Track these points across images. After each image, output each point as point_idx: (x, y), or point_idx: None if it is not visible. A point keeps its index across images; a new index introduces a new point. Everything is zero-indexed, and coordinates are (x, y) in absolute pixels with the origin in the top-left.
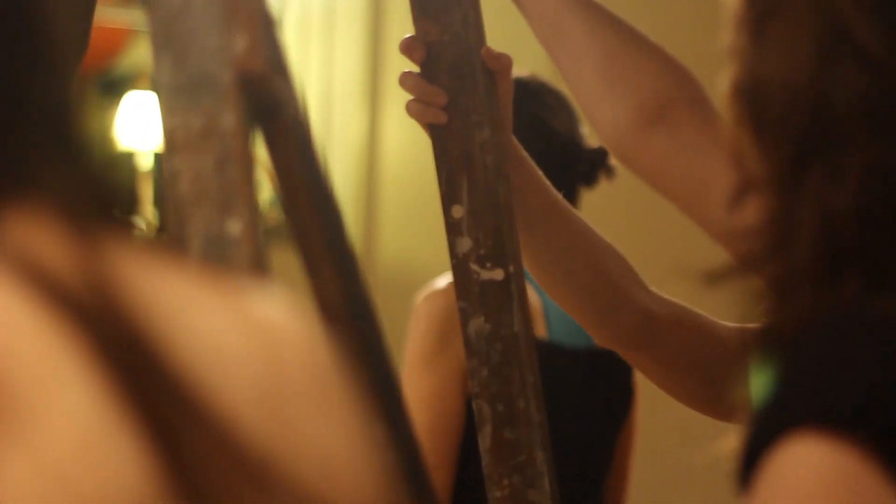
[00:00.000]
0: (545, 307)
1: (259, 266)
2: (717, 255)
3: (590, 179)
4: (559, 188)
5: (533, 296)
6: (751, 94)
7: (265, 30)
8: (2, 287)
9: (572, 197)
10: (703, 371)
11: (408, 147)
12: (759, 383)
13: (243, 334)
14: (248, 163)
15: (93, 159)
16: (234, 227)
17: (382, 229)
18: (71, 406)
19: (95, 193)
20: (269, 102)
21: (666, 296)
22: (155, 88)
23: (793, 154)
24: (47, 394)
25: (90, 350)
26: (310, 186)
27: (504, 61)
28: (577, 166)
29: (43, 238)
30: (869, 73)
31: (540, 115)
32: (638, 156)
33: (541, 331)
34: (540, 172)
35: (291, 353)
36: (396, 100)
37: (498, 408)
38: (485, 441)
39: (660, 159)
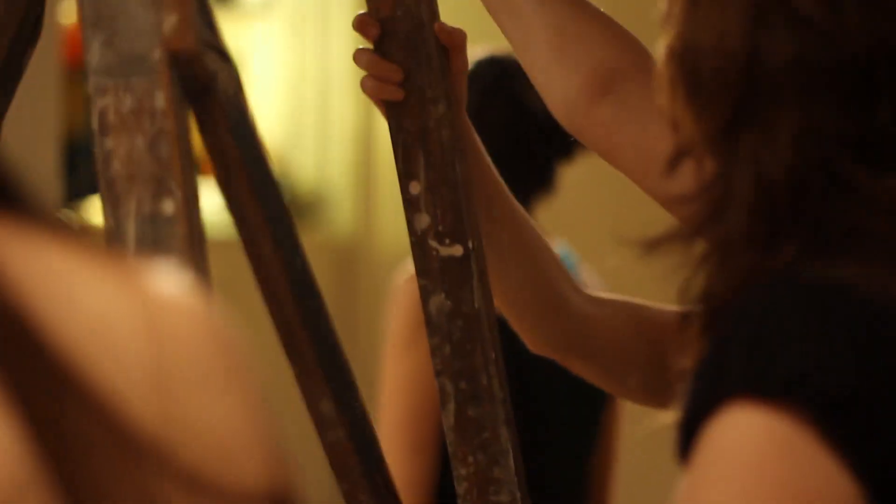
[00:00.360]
0: None
1: (194, 245)
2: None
3: (568, 153)
4: (539, 164)
5: None
6: (684, 58)
7: (197, 8)
8: None
9: (551, 173)
10: (644, 366)
11: None
12: (697, 353)
13: (132, 312)
14: (181, 142)
15: None
16: (168, 206)
17: (380, 215)
18: None
19: None
20: (201, 80)
21: (598, 293)
22: (85, 69)
23: (726, 118)
24: None
25: None
26: (245, 164)
27: (457, 36)
28: (555, 141)
29: None
30: (801, 34)
31: (516, 91)
32: (588, 127)
33: None
34: (487, 160)
35: (183, 331)
36: None
37: (461, 385)
38: (448, 419)
39: (609, 130)
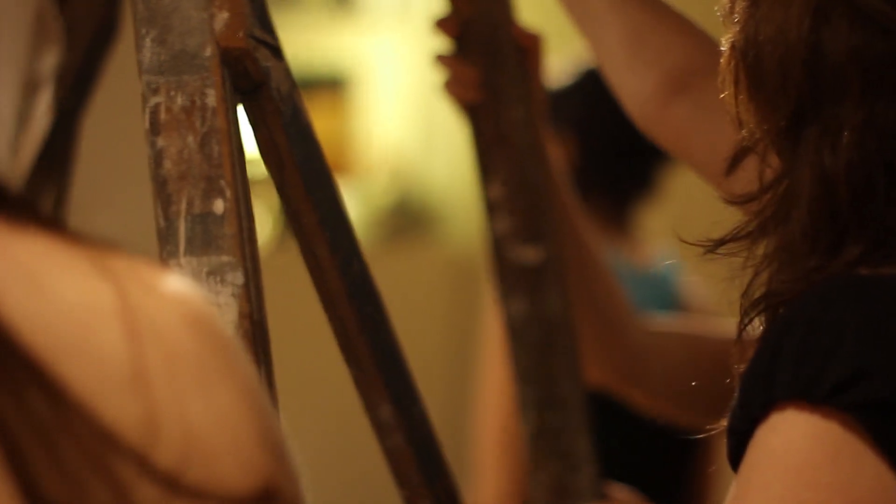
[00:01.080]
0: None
1: (245, 244)
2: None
3: (670, 158)
4: (641, 170)
5: None
6: (746, 53)
7: (249, 4)
8: None
9: (653, 178)
10: (698, 396)
11: None
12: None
13: (108, 304)
14: (232, 140)
15: None
16: (219, 205)
17: None
18: None
19: None
20: (253, 78)
21: (653, 323)
22: (138, 67)
23: (788, 114)
24: None
25: None
26: (299, 163)
27: (534, 38)
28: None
29: None
30: (862, 27)
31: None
32: (661, 127)
33: None
34: (558, 173)
35: (165, 325)
36: None
37: (539, 391)
38: (526, 426)
39: (682, 130)
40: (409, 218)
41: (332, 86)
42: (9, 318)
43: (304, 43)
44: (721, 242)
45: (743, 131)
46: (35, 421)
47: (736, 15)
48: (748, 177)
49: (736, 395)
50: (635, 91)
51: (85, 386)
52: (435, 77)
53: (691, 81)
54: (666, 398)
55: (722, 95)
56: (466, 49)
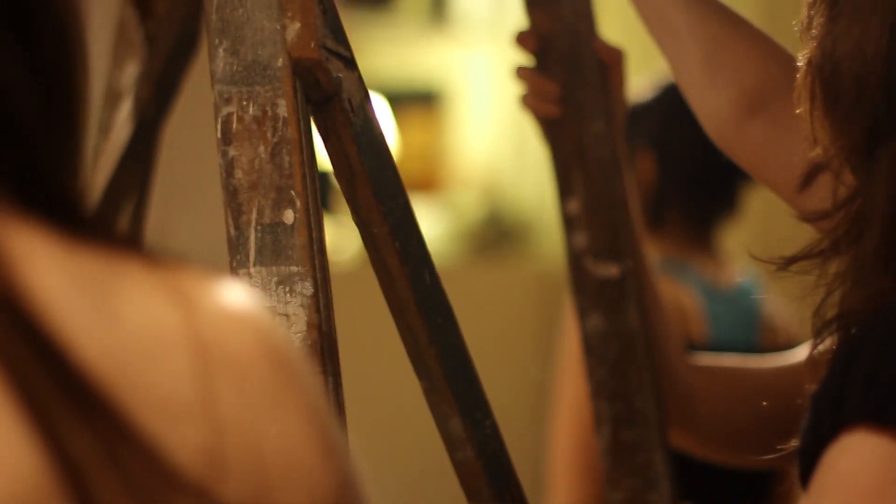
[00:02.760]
0: (707, 307)
1: (314, 255)
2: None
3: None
4: (722, 188)
5: (692, 296)
6: (823, 69)
7: (322, 15)
8: None
9: (734, 196)
10: (742, 430)
11: None
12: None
13: (176, 326)
14: (303, 150)
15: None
16: (289, 215)
17: None
18: None
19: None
20: (325, 88)
21: (699, 359)
22: (211, 76)
23: (864, 131)
24: None
25: None
26: (370, 174)
27: (616, 54)
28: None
29: None
30: None
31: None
32: (738, 145)
33: (702, 331)
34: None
35: (233, 346)
36: None
37: (616, 407)
38: (603, 441)
39: (759, 148)
40: (499, 232)
41: (425, 100)
42: (76, 343)
43: (397, 57)
44: (793, 260)
45: (817, 148)
46: (98, 451)
47: (814, 30)
48: (822, 194)
49: (807, 415)
50: (713, 110)
51: (147, 416)
52: (521, 91)
53: (769, 100)
54: (712, 440)
55: (798, 111)
56: (547, 63)
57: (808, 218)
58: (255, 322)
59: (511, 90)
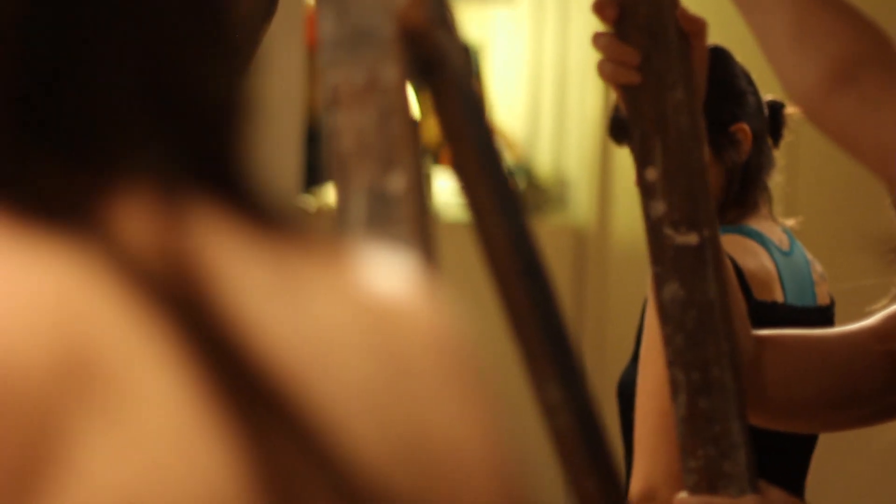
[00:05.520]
0: (779, 271)
1: (422, 224)
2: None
3: (777, 133)
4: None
5: (768, 260)
6: None
7: None
8: (89, 271)
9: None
10: (813, 395)
11: None
12: None
13: (354, 321)
14: (410, 118)
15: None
16: (397, 183)
17: (617, 204)
18: (163, 397)
19: (200, 170)
20: (433, 58)
21: (759, 331)
22: (319, 42)
23: None
24: (139, 382)
25: (176, 339)
26: (475, 143)
27: (698, 23)
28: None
29: (134, 219)
30: None
31: (734, 81)
32: (826, 117)
33: (777, 295)
34: None
35: (409, 342)
36: None
37: (693, 376)
38: (679, 410)
39: (848, 120)
40: (534, 193)
41: None
42: (267, 340)
43: None
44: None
45: None
46: (280, 458)
47: None
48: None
49: None
50: (799, 78)
51: (329, 408)
52: (546, 54)
53: (856, 72)
54: (780, 409)
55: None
56: (627, 30)
57: None
58: (426, 313)
59: (548, 48)
